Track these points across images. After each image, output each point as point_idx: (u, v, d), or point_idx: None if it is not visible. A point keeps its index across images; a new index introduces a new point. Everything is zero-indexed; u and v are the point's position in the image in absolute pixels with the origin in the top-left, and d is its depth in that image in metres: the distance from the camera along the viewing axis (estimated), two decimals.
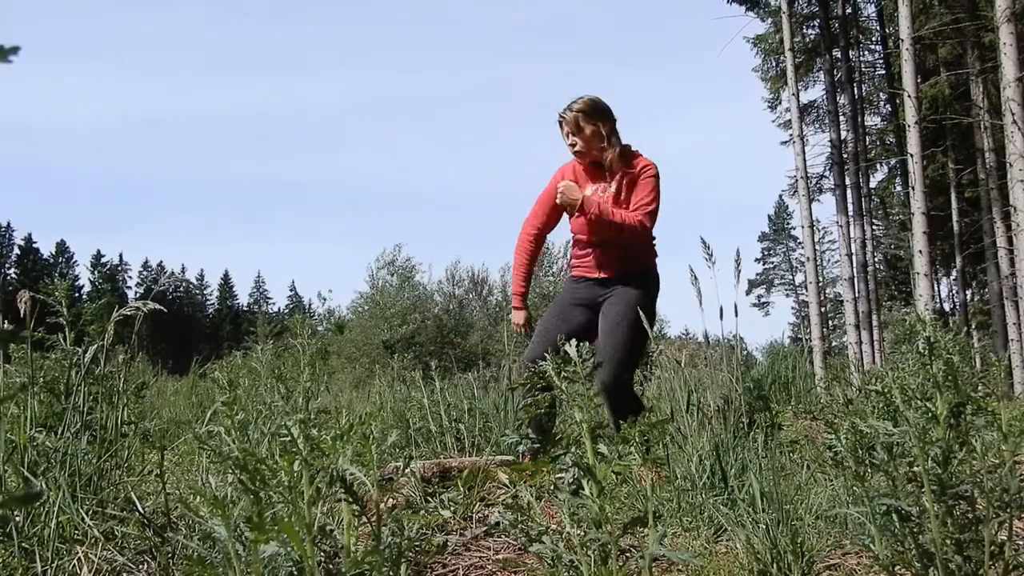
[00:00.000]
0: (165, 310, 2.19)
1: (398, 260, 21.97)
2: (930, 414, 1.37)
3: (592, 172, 3.32)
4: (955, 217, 17.09)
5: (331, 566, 1.58)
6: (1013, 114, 10.04)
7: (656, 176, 3.25)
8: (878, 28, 18.55)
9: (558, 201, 3.24)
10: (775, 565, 1.72)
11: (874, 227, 18.27)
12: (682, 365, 3.17)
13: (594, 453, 1.25)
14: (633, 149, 3.33)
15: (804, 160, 14.37)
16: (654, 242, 3.36)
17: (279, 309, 71.05)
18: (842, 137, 16.68)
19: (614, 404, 3.02)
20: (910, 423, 1.35)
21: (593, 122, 3.24)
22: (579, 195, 3.18)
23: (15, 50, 0.51)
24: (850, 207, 16.17)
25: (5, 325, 2.10)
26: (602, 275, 3.26)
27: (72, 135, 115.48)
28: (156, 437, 3.22)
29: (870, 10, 18.88)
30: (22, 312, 1.95)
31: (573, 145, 3.27)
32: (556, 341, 3.15)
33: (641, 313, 3.04)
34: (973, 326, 17.95)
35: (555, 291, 17.94)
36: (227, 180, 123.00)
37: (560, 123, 3.31)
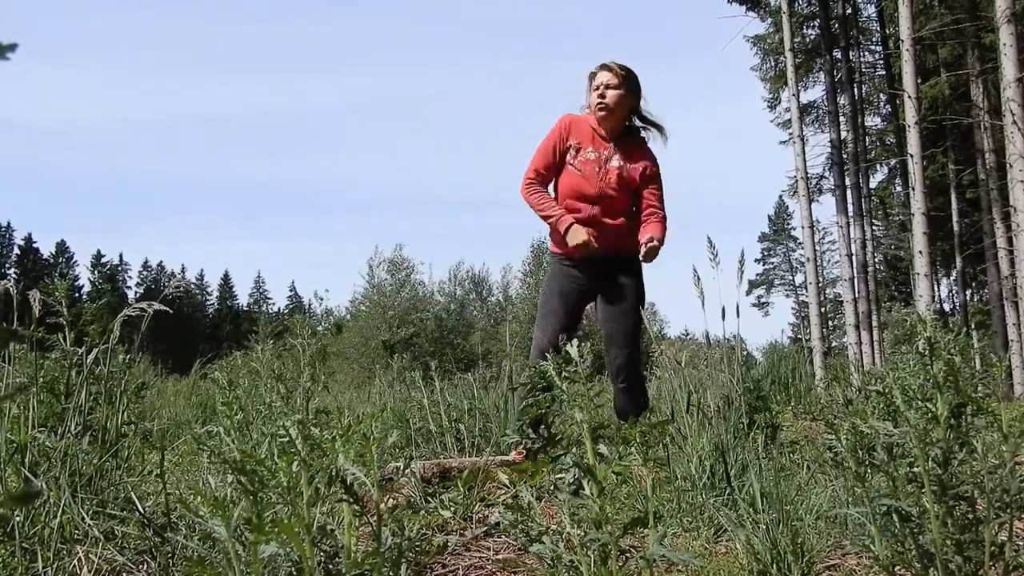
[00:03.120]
0: (171, 311, 2.19)
1: (398, 260, 21.99)
2: (931, 415, 1.37)
3: (595, 135, 3.23)
4: (955, 218, 17.10)
5: (331, 566, 1.58)
6: (1013, 114, 10.04)
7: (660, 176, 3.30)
8: (878, 28, 18.56)
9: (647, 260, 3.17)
10: (775, 565, 1.72)
11: (874, 227, 18.27)
12: (682, 366, 3.17)
13: (594, 453, 1.25)
14: (641, 135, 3.32)
15: (804, 160, 14.37)
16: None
17: (279, 309, 71.01)
18: (842, 137, 16.68)
19: (631, 381, 3.14)
20: (911, 424, 1.35)
21: (629, 91, 3.20)
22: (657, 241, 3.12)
23: (12, 47, 0.51)
24: (850, 207, 16.18)
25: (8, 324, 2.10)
26: (603, 251, 3.13)
27: (72, 135, 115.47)
28: (156, 437, 3.23)
29: (870, 10, 18.91)
30: (35, 312, 1.95)
31: (603, 98, 3.15)
32: (566, 324, 3.14)
33: (640, 300, 3.21)
34: (973, 327, 17.95)
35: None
36: (227, 180, 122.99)
37: (593, 75, 3.21)
